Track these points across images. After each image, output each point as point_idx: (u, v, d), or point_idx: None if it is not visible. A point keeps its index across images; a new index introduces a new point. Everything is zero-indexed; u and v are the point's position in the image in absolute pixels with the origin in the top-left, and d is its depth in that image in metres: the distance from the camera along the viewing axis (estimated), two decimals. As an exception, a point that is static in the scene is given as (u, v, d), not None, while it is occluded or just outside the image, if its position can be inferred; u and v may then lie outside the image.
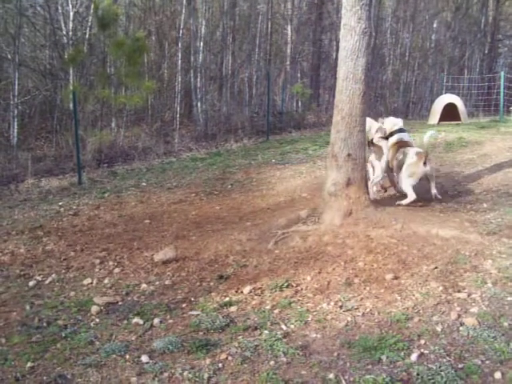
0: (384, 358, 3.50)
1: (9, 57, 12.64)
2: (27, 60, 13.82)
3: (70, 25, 12.31)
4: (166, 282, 5.13)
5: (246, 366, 3.53)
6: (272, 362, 3.54)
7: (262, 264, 5.32)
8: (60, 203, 8.29)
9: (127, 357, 3.74)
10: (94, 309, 4.58)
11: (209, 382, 3.39)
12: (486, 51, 26.72)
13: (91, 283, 5.23)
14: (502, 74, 18.93)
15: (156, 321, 4.29)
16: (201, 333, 4.04)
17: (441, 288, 4.46)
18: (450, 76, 21.44)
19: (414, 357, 3.48)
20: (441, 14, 24.63)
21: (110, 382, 3.46)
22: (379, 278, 4.76)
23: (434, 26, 24.34)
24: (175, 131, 14.41)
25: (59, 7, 12.77)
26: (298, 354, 3.61)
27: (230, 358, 3.64)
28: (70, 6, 12.27)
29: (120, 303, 4.72)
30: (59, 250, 6.19)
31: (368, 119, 6.86)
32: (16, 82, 11.74)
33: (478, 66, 26.24)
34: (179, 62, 15.30)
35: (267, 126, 15.23)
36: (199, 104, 15.76)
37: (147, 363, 3.63)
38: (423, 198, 7.21)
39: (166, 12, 16.69)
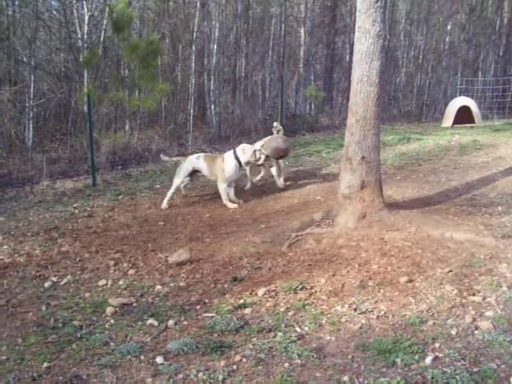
0: (398, 361, 3.49)
1: (25, 60, 12.76)
2: (43, 63, 13.91)
3: (85, 28, 12.38)
4: (181, 284, 5.16)
5: (260, 367, 3.54)
6: (286, 364, 3.55)
7: (276, 266, 5.33)
8: (75, 205, 8.35)
9: (142, 358, 3.76)
10: (109, 310, 4.61)
11: (223, 383, 3.40)
12: (501, 53, 26.49)
13: (106, 284, 5.26)
14: (517, 76, 18.78)
15: (171, 322, 4.32)
16: (215, 334, 4.06)
17: (455, 291, 4.45)
18: (463, 78, 21.31)
19: (428, 360, 3.48)
20: (455, 16, 24.48)
21: (125, 382, 3.48)
22: (393, 281, 4.75)
23: (448, 28, 24.18)
24: (189, 133, 14.43)
25: (74, 11, 12.84)
26: (313, 357, 3.62)
27: (244, 359, 3.65)
28: (85, 9, 12.35)
29: (135, 304, 4.75)
30: (74, 252, 6.24)
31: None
32: (31, 85, 11.84)
33: (492, 68, 26.02)
34: (193, 64, 15.34)
35: (280, 129, 15.22)
36: (212, 106, 15.79)
37: (162, 364, 3.65)
38: (438, 201, 7.20)
39: (180, 15, 16.74)
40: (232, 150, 8.19)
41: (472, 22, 24.82)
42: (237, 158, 8.03)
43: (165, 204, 8.09)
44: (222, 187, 8.01)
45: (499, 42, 26.17)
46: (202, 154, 8.56)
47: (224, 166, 8.03)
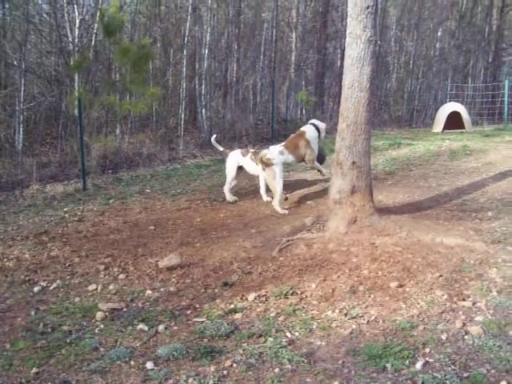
0: (389, 366, 3.49)
1: (15, 63, 12.70)
2: (33, 66, 13.85)
3: (76, 32, 12.36)
4: (171, 289, 5.13)
5: (250, 373, 3.53)
6: (277, 370, 3.54)
7: (266, 271, 5.32)
8: (65, 209, 8.31)
9: (132, 363, 3.74)
10: (99, 315, 4.58)
11: (214, 388, 3.40)
12: (490, 60, 26.75)
13: (96, 289, 5.23)
14: (507, 82, 18.97)
15: (161, 327, 4.30)
16: (205, 340, 4.05)
17: (446, 296, 4.47)
18: (454, 84, 21.49)
19: (419, 365, 3.48)
20: (445, 23, 24.66)
21: (115, 388, 3.46)
22: (384, 286, 4.76)
23: (439, 34, 24.37)
24: (180, 138, 14.41)
25: (65, 14, 12.80)
26: (303, 362, 3.62)
27: (234, 365, 3.64)
28: (77, 13, 12.33)
29: (125, 309, 4.73)
30: (64, 256, 6.20)
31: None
32: (22, 89, 11.77)
33: (482, 74, 26.29)
34: (184, 68, 15.33)
35: (271, 134, 15.27)
36: (204, 111, 15.78)
37: (152, 370, 3.63)
38: (428, 207, 7.23)
39: (172, 19, 16.75)
40: (309, 125, 8.45)
41: (462, 28, 25.04)
42: (317, 129, 8.35)
43: (279, 208, 7.53)
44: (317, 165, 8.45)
45: (488, 48, 26.42)
46: (279, 147, 8.12)
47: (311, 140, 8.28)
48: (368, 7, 5.83)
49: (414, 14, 23.47)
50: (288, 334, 4.05)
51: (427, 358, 3.57)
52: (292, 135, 8.62)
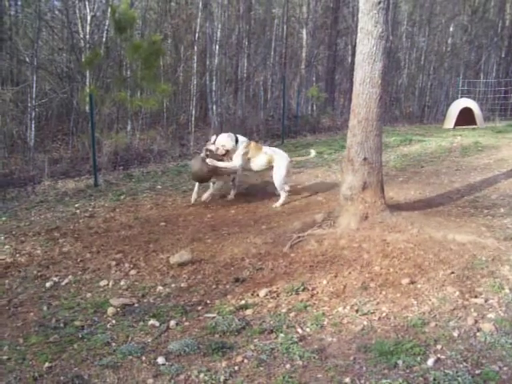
0: (400, 362, 3.49)
1: (27, 60, 12.77)
2: (45, 63, 13.92)
3: (88, 28, 12.41)
4: (182, 285, 5.15)
5: (261, 369, 3.54)
6: (288, 366, 3.55)
7: (277, 267, 5.32)
8: (76, 205, 8.35)
9: (143, 358, 3.76)
10: (111, 310, 4.60)
11: (225, 384, 3.40)
12: (503, 55, 26.53)
13: (107, 285, 5.25)
14: (519, 78, 18.79)
15: (172, 323, 4.31)
16: (217, 335, 4.05)
17: (457, 293, 4.45)
18: (465, 80, 21.34)
19: (430, 362, 3.47)
20: (457, 18, 24.49)
21: (127, 383, 3.48)
22: (395, 283, 4.74)
23: (450, 29, 24.21)
24: (190, 134, 14.43)
25: (77, 11, 12.87)
26: (314, 358, 3.61)
27: (245, 360, 3.64)
28: (88, 9, 12.38)
29: (136, 305, 4.74)
30: (75, 252, 6.23)
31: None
32: (34, 85, 11.83)
33: (494, 69, 26.07)
34: (195, 65, 15.36)
35: (282, 130, 15.25)
36: (214, 107, 15.79)
37: (163, 365, 3.64)
38: (440, 203, 7.19)
39: (182, 16, 16.75)
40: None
41: (474, 23, 24.84)
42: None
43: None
44: None
45: (501, 43, 26.22)
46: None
47: None
48: (380, 2, 5.80)
49: (426, 10, 23.34)
50: (299, 330, 4.05)
51: (439, 355, 3.56)
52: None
